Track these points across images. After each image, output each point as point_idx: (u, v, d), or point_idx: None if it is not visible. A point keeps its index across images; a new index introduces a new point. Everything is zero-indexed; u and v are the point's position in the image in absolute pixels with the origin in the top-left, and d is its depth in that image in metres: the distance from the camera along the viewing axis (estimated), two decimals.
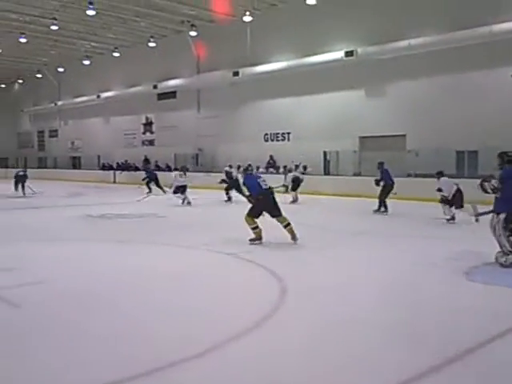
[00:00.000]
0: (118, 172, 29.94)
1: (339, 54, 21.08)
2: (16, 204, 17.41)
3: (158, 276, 6.64)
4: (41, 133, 41.76)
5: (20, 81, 41.63)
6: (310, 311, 5.14)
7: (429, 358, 3.87)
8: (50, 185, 25.69)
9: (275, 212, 9.03)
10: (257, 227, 8.92)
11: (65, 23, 25.94)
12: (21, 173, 20.91)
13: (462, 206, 11.24)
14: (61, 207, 15.58)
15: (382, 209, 13.47)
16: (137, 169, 28.86)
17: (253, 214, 8.96)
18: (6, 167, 40.72)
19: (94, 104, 34.25)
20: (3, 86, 42.50)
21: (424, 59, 18.78)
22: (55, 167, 36.75)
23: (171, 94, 29.34)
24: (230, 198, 17.25)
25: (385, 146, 19.65)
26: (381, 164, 13.77)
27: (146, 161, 25.82)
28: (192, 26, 26.03)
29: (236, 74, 24.80)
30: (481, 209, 8.17)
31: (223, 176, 18.10)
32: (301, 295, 5.70)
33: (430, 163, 15.86)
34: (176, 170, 19.72)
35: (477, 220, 9.11)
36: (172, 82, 28.51)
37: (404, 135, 19.76)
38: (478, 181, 7.19)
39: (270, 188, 9.28)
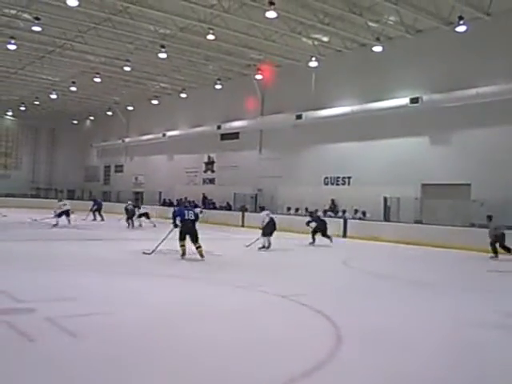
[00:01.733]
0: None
1: (404, 101, 20.95)
2: (82, 235, 17.97)
3: (212, 315, 6.63)
4: (107, 167, 43.34)
5: (91, 117, 43.61)
6: (366, 362, 4.96)
7: None
8: (112, 218, 26.37)
9: None
10: None
11: (137, 65, 27.13)
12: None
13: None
14: (120, 240, 15.92)
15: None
16: (196, 206, 29.36)
17: None
18: (72, 199, 42.35)
19: (159, 142, 35.37)
20: (75, 122, 44.60)
21: (492, 107, 18.38)
22: (118, 201, 37.84)
23: (234, 135, 29.92)
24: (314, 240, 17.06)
25: (448, 195, 19.15)
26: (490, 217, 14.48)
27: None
28: (258, 69, 26.67)
29: (299, 117, 25.06)
30: None
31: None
32: (357, 344, 5.53)
33: (496, 213, 15.31)
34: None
35: None
36: (236, 124, 29.14)
37: (469, 184, 19.18)
38: None
39: None
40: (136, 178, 39.06)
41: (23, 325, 5.54)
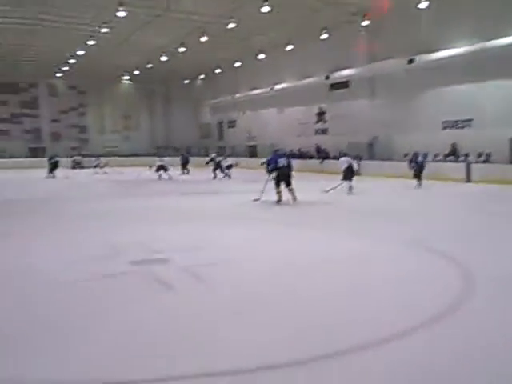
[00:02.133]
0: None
1: None
2: (201, 189, 18.77)
3: (336, 261, 6.72)
4: (220, 123, 44.40)
5: (202, 76, 44.55)
6: (496, 316, 4.79)
7: None
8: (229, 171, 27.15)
9: None
10: None
11: (241, 21, 27.10)
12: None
13: None
14: (239, 193, 16.35)
15: None
16: (311, 157, 29.64)
17: None
18: (190, 155, 44.03)
19: (269, 96, 35.51)
20: (187, 81, 45.85)
21: None
22: (233, 155, 38.82)
23: (344, 84, 29.24)
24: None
25: None
26: None
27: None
28: (364, 15, 25.67)
29: (411, 61, 23.90)
30: None
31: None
32: (489, 293, 5.36)
33: None
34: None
35: None
36: (345, 72, 28.42)
37: None
38: None
39: None
40: (249, 132, 39.71)
41: (161, 274, 5.99)
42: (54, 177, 25.82)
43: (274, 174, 13.20)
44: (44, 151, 43.44)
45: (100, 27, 27.72)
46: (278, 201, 13.03)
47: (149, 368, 3.56)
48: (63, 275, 6.11)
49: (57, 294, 5.40)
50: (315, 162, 28.93)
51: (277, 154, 13.68)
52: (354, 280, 5.87)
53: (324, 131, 31.69)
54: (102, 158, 33.32)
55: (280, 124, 35.41)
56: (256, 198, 13.49)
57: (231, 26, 27.18)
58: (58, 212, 12.71)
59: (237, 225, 10.04)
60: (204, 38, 29.67)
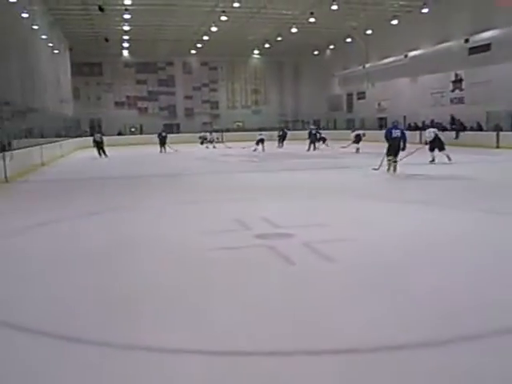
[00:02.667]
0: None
1: None
2: (324, 164, 18.55)
3: (466, 243, 6.26)
4: (349, 95, 43.44)
5: (331, 47, 43.76)
6: None
7: None
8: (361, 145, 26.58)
9: None
10: None
11: None
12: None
13: None
14: (365, 167, 15.89)
15: None
16: (445, 128, 27.85)
17: None
18: (318, 129, 43.83)
19: (401, 64, 34.01)
20: (316, 53, 45.32)
21: None
22: (363, 128, 37.93)
23: (485, 47, 27.05)
24: None
25: None
26: None
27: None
28: None
29: None
30: None
31: None
32: None
33: None
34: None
35: None
36: (486, 34, 26.29)
37: None
38: None
39: None
40: (379, 104, 38.45)
41: (284, 249, 5.95)
42: (163, 151, 27.41)
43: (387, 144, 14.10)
44: (178, 127, 45.67)
45: (232, 2, 28.16)
46: (388, 169, 13.92)
47: (257, 341, 3.52)
48: (192, 246, 6.31)
49: (184, 264, 5.57)
50: (449, 134, 27.12)
51: (392, 126, 14.39)
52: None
53: (460, 100, 29.70)
54: (213, 133, 34.21)
55: (412, 94, 33.80)
56: (375, 167, 14.28)
57: None
58: (188, 186, 13.22)
59: (362, 201, 9.73)
60: (334, 7, 29.01)
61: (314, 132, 26.81)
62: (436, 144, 16.12)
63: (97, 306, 4.37)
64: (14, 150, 15.81)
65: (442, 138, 16.26)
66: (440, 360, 3.23)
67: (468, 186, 11.67)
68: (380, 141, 29.24)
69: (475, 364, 3.18)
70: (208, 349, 3.46)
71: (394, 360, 3.30)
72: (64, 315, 4.16)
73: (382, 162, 14.23)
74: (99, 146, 25.54)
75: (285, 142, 30.03)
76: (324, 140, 27.78)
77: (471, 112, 27.21)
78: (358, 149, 23.40)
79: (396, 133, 13.88)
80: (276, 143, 30.02)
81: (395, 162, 13.83)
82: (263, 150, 26.19)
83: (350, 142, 24.62)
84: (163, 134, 28.41)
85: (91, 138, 27.32)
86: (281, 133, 30.93)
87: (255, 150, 26.15)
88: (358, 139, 23.87)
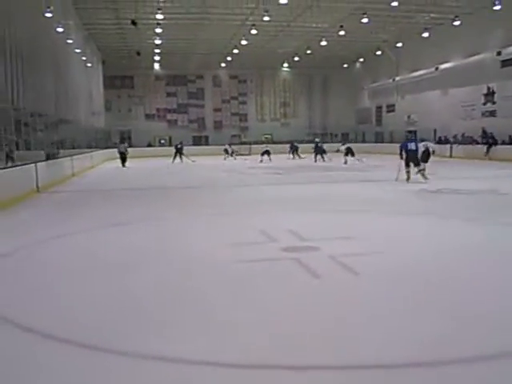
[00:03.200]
0: (454, 145, 28.97)
1: None
2: (350, 176, 18.43)
3: (496, 259, 6.13)
4: (379, 108, 43.22)
5: (361, 60, 43.68)
6: None
7: None
8: (386, 159, 26.34)
9: None
10: None
11: None
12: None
13: None
14: (398, 181, 15.74)
15: None
16: (476, 142, 27.46)
17: None
18: (346, 142, 43.67)
19: (432, 77, 33.72)
20: (345, 66, 45.26)
21: None
22: (391, 141, 37.64)
23: None
24: None
25: None
26: None
27: None
28: None
29: None
30: None
31: None
32: None
33: None
34: None
35: None
36: None
37: None
38: None
39: None
40: (408, 117, 38.10)
41: (309, 261, 5.91)
42: (179, 161, 28.97)
43: (403, 156, 15.23)
44: (207, 139, 45.99)
45: (263, 15, 28.40)
46: (407, 179, 15.00)
47: (276, 356, 3.49)
48: (217, 257, 6.33)
49: (208, 276, 5.58)
50: (480, 148, 26.63)
51: (408, 141, 15.75)
52: None
53: (492, 113, 29.24)
54: (232, 146, 35.23)
55: (443, 107, 33.39)
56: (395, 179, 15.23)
57: (394, 3, 26.12)
58: (211, 198, 13.28)
59: (387, 215, 9.63)
60: (365, 20, 28.95)
61: (319, 145, 28.49)
62: (424, 157, 16.06)
63: (119, 316, 4.41)
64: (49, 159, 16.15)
65: (431, 152, 16.55)
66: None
67: (493, 199, 11.47)
68: None
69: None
70: (228, 361, 3.46)
71: (414, 377, 3.24)
72: (84, 323, 4.21)
73: (398, 174, 15.15)
74: (123, 156, 26.65)
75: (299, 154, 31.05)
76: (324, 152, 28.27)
77: (503, 125, 26.77)
78: (346, 161, 25.02)
79: (411, 146, 15.26)
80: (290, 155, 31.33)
81: (420, 171, 15.26)
82: (270, 160, 27.96)
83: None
84: (179, 145, 30.35)
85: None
86: (290, 146, 32.14)
87: (261, 161, 27.81)
88: (348, 151, 25.53)
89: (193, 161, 28.43)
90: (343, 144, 27.09)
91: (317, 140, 30.25)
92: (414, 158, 15.15)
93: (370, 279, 5.32)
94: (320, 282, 5.27)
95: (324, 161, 27.08)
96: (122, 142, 32.06)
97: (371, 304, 4.59)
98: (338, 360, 3.46)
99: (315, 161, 27.11)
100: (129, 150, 28.35)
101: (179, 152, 29.59)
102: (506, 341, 3.71)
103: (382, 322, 4.14)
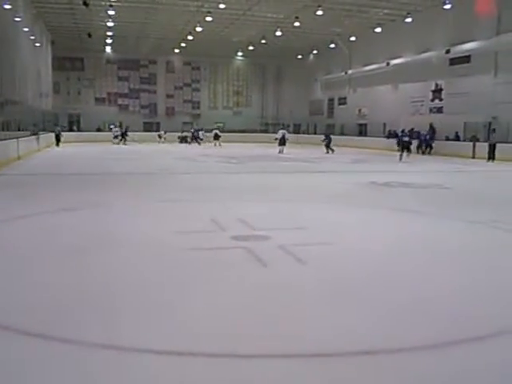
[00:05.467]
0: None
1: None
2: (302, 168, 18.63)
3: (440, 250, 6.34)
4: (331, 100, 43.68)
5: (315, 51, 43.97)
6: None
7: None
8: (337, 150, 26.77)
9: None
10: None
11: None
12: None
13: None
14: (346, 173, 16.08)
15: None
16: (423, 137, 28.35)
17: None
18: (298, 133, 44.12)
19: (383, 71, 34.28)
20: (300, 57, 45.49)
21: None
22: (342, 134, 38.20)
23: (465, 59, 27.45)
24: None
25: None
26: None
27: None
28: None
29: None
30: None
31: None
32: None
33: None
34: None
35: None
36: (467, 46, 26.64)
37: None
38: None
39: None
40: (359, 110, 38.74)
41: (258, 250, 5.96)
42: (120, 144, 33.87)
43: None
44: (158, 126, 45.47)
45: (218, 3, 28.12)
46: (400, 159, 21.07)
47: (223, 344, 3.52)
48: (166, 244, 6.30)
49: (155, 263, 5.55)
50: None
51: (402, 135, 22.16)
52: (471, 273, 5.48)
53: (439, 110, 30.10)
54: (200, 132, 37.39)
55: (393, 102, 34.12)
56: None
57: None
58: (164, 185, 13.17)
59: (336, 206, 9.82)
60: (320, 12, 29.13)
61: (286, 136, 28.18)
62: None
63: (66, 303, 4.32)
64: None
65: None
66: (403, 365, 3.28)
67: (441, 194, 11.85)
68: (359, 147, 29.60)
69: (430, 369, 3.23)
70: (175, 350, 3.46)
71: (358, 364, 3.33)
72: (35, 311, 4.11)
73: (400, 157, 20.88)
74: (57, 138, 30.82)
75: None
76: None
77: (449, 121, 27.61)
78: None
79: (405, 138, 22.00)
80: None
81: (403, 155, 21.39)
82: (220, 145, 30.84)
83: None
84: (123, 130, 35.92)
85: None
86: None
87: (215, 144, 31.00)
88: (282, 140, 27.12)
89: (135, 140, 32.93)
90: (281, 129, 28.66)
91: (282, 131, 29.46)
92: (405, 146, 21.70)
93: (318, 269, 5.42)
94: (268, 270, 5.33)
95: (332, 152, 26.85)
96: (57, 125, 34.93)
97: (316, 293, 4.66)
98: (283, 348, 3.50)
99: (327, 152, 26.82)
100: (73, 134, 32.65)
101: (123, 136, 34.04)
102: (440, 332, 3.85)
103: (326, 311, 4.22)
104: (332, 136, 29.08)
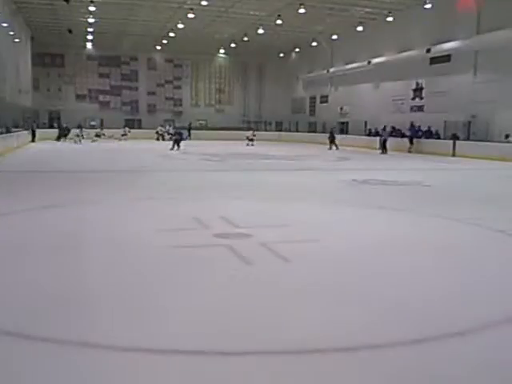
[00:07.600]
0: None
1: None
2: (285, 166, 18.66)
3: (421, 248, 6.40)
4: (313, 98, 43.79)
5: (297, 49, 44.04)
6: None
7: None
8: (320, 148, 26.89)
9: None
10: None
11: None
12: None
13: None
14: (329, 171, 16.15)
15: None
16: (403, 135, 28.51)
17: None
18: (280, 131, 44.20)
19: (364, 70, 34.48)
20: (282, 55, 45.52)
21: None
22: (324, 132, 38.32)
23: (445, 58, 27.72)
24: None
25: None
26: None
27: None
28: None
29: None
30: None
31: None
32: None
33: None
34: None
35: None
36: (447, 45, 26.88)
37: None
38: None
39: None
40: (341, 108, 38.90)
41: (241, 248, 5.96)
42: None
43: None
44: (140, 123, 45.19)
45: (201, 0, 27.98)
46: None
47: (203, 342, 3.52)
48: (147, 242, 6.27)
49: (135, 262, 5.52)
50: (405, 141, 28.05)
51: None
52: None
53: (420, 108, 30.36)
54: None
55: (374, 100, 34.34)
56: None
57: None
58: (145, 183, 13.10)
59: (318, 203, 9.87)
60: (302, 10, 29.17)
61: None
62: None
63: (42, 303, 4.28)
64: None
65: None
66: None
67: (417, 191, 11.96)
68: (342, 145, 29.76)
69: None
70: (156, 347, 3.45)
71: (340, 360, 3.35)
72: (9, 308, 4.07)
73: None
74: (33, 133, 31.95)
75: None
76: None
77: (430, 120, 27.88)
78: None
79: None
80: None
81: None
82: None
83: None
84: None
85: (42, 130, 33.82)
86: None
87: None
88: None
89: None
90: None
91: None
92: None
93: (300, 266, 5.43)
94: (250, 268, 5.33)
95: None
96: (34, 122, 35.42)
97: (299, 290, 4.68)
98: (264, 345, 3.51)
99: (330, 148, 28.57)
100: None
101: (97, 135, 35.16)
102: (423, 328, 3.90)
103: (309, 308, 4.24)
104: (315, 134, 29.84)
